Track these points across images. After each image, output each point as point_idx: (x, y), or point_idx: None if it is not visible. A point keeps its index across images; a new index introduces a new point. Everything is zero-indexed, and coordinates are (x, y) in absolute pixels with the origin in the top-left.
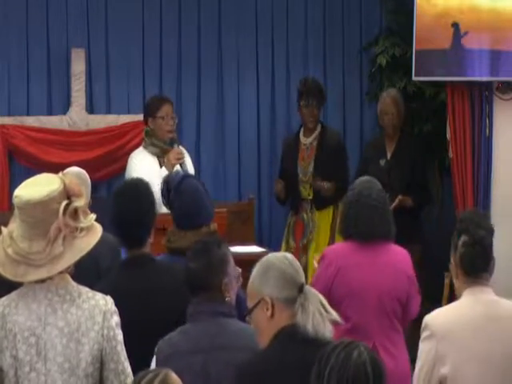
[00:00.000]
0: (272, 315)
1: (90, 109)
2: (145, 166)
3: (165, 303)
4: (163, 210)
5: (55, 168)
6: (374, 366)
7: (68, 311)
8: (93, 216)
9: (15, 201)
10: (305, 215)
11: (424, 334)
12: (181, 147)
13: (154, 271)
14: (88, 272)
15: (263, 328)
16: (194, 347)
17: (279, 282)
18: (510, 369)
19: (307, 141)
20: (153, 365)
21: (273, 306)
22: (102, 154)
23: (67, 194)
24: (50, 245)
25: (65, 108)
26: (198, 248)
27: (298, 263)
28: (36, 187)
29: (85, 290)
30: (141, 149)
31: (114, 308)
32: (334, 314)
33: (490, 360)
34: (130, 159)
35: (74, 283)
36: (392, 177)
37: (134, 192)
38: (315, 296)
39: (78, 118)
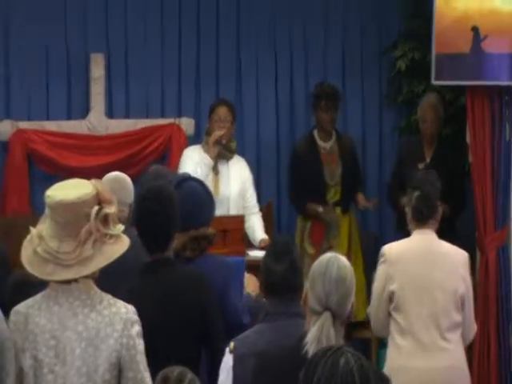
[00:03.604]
0: (304, 303)
1: (110, 113)
2: (192, 159)
3: (184, 307)
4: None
5: (74, 172)
6: (361, 373)
7: (88, 316)
8: (121, 226)
9: (47, 200)
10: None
11: (380, 260)
12: (240, 157)
13: (174, 275)
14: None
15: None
16: (271, 348)
17: (315, 293)
18: (440, 292)
19: (327, 145)
20: (227, 362)
21: (305, 301)
22: (121, 159)
23: (99, 200)
24: (80, 246)
25: (84, 112)
26: (279, 249)
27: (344, 283)
28: (69, 189)
29: (107, 296)
30: (199, 145)
31: (135, 317)
32: None
33: (427, 282)
34: (184, 151)
35: (96, 289)
36: None
37: (158, 197)
38: (328, 325)
39: (97, 122)
